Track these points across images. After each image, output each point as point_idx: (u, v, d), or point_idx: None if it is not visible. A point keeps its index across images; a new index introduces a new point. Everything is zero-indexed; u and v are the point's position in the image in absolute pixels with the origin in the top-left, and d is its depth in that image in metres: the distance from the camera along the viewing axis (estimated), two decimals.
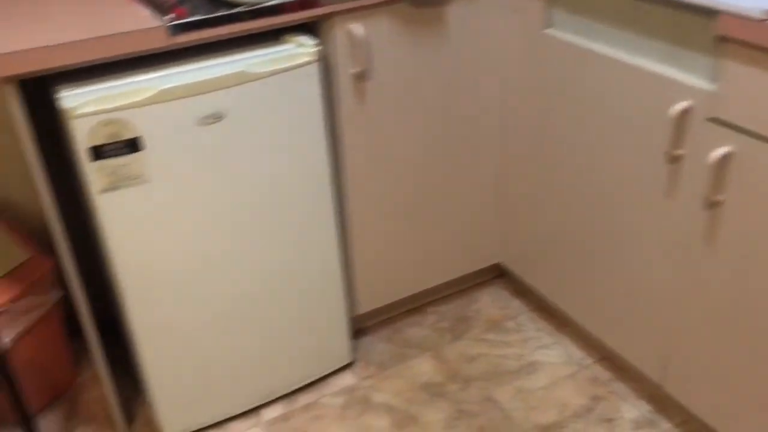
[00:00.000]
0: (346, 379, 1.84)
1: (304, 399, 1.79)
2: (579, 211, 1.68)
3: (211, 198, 1.47)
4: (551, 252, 1.83)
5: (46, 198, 1.41)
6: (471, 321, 2.01)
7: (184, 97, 1.36)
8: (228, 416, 1.73)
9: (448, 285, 2.08)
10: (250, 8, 1.41)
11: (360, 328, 1.99)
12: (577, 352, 1.87)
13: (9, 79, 1.28)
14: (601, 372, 1.81)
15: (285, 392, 1.79)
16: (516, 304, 2.05)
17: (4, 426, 1.76)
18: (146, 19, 1.37)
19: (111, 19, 1.37)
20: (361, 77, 1.60)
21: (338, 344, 1.81)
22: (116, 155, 1.34)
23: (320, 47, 1.50)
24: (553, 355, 1.87)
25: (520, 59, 1.71)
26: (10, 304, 1.63)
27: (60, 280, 1.78)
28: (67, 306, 1.83)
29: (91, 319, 1.56)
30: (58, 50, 1.27)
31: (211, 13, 1.38)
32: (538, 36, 1.63)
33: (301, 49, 1.46)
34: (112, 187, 1.37)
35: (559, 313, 1.96)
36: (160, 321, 1.53)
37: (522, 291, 2.09)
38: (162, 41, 1.35)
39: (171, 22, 1.35)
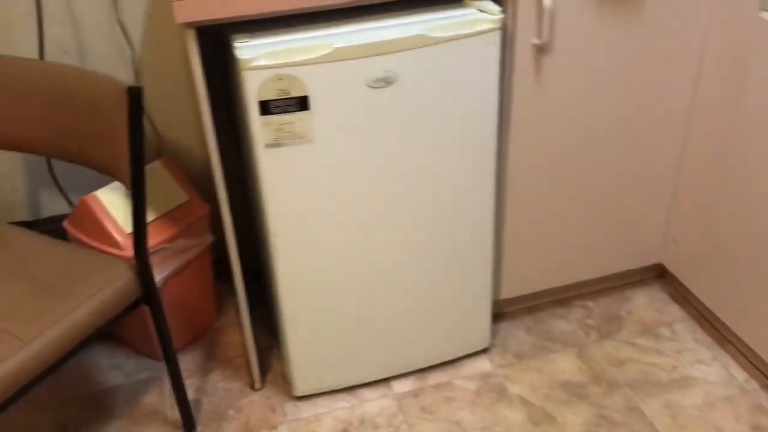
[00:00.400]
0: (482, 365, 1.76)
1: (436, 378, 1.74)
2: (761, 220, 1.50)
3: (371, 164, 1.42)
4: (721, 259, 1.65)
5: (211, 145, 1.41)
6: (622, 321, 1.87)
7: (358, 58, 1.30)
8: (359, 383, 1.71)
9: (600, 280, 1.95)
10: None
11: (500, 312, 1.90)
12: (739, 373, 1.70)
13: (188, 25, 1.27)
14: (767, 400, 1.63)
15: (418, 368, 1.74)
16: (674, 310, 1.89)
17: (149, 359, 1.84)
18: None
19: None
20: (541, 50, 1.48)
21: (478, 326, 1.74)
22: (284, 112, 1.32)
23: (504, 14, 1.40)
24: (711, 373, 1.71)
25: (724, 47, 1.52)
26: (167, 244, 1.68)
27: (213, 226, 1.81)
28: (215, 251, 1.87)
29: (239, 266, 1.57)
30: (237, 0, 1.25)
31: None
32: (751, 20, 1.44)
33: (483, 15, 1.37)
34: (276, 144, 1.35)
35: (722, 326, 1.79)
36: (306, 279, 1.52)
37: (682, 296, 1.92)
38: None
39: None
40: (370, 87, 1.34)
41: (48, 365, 1.26)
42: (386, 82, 1.34)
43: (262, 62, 1.27)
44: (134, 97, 1.27)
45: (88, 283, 1.35)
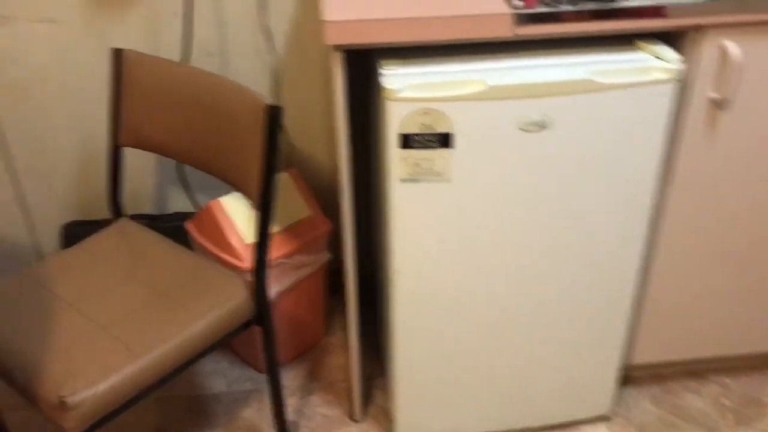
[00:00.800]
0: None
1: None
2: None
3: (511, 210, 1.30)
4: None
5: (343, 165, 1.34)
6: (764, 408, 1.67)
7: (512, 98, 1.19)
8: None
9: (744, 357, 1.75)
10: (608, 6, 1.19)
11: (626, 376, 1.74)
12: None
13: (336, 47, 1.20)
14: None
15: (530, 426, 1.62)
16: None
17: (252, 369, 1.80)
18: (491, 3, 1.21)
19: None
20: (718, 105, 1.31)
21: (601, 390, 1.59)
22: (425, 147, 1.22)
23: (684, 64, 1.24)
24: None
25: None
26: (285, 259, 1.63)
27: (331, 244, 1.75)
28: (330, 269, 1.81)
29: (356, 291, 1.50)
30: (389, 25, 1.17)
31: (559, 6, 1.19)
32: None
33: (659, 63, 1.22)
34: (411, 179, 1.26)
35: None
36: (425, 319, 1.43)
37: None
38: (503, 30, 1.19)
39: (519, 10, 1.17)
40: (522, 130, 1.22)
41: (155, 381, 1.23)
42: (540, 126, 1.22)
43: (409, 94, 1.18)
44: (274, 115, 1.22)
45: (203, 299, 1.31)
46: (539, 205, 1.30)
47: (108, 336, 1.23)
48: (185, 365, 1.27)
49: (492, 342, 1.47)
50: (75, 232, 1.79)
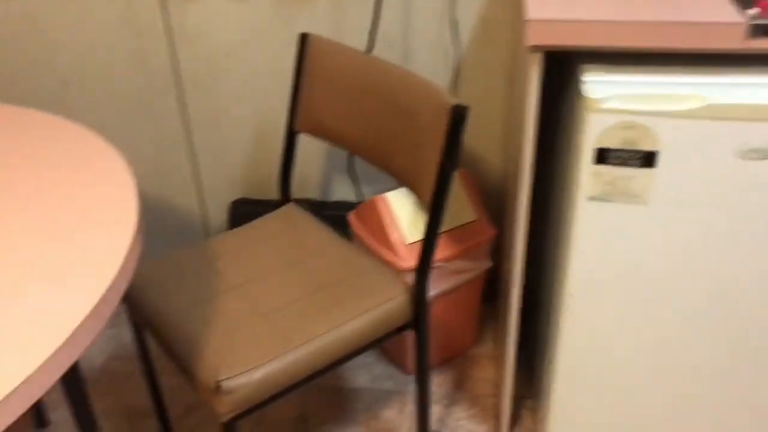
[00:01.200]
0: None
1: None
2: None
3: (713, 246, 1.15)
4: None
5: (524, 173, 1.24)
6: None
7: (733, 120, 1.04)
8: None
9: None
10: None
11: None
12: None
13: (536, 49, 1.10)
14: None
15: None
16: None
17: (397, 368, 1.75)
18: (718, 9, 1.07)
19: (675, 3, 1.10)
20: None
21: None
22: (623, 164, 1.10)
23: None
24: None
25: None
26: (444, 263, 1.56)
27: (493, 252, 1.66)
28: (487, 277, 1.72)
29: (518, 306, 1.40)
30: (599, 28, 1.05)
31: None
32: None
33: None
34: (602, 197, 1.14)
35: None
36: (593, 349, 1.31)
37: None
38: (732, 42, 1.04)
39: (756, 20, 1.02)
40: (740, 157, 1.07)
41: (305, 375, 1.20)
42: (763, 154, 1.06)
43: (613, 105, 1.06)
44: (458, 116, 1.14)
45: (362, 299, 1.27)
46: (748, 245, 1.14)
47: (267, 324, 1.21)
48: (337, 363, 1.24)
49: (665, 382, 1.33)
50: (242, 210, 1.82)
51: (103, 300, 0.82)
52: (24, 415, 1.64)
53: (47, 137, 1.17)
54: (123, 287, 0.88)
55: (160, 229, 1.93)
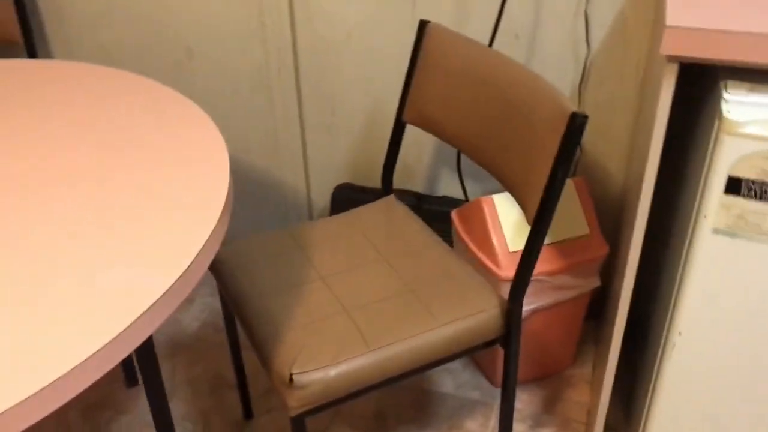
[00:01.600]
0: None
1: None
2: None
3: None
4: None
5: (645, 194, 1.12)
6: None
7: None
8: None
9: None
10: None
11: None
12: None
13: (672, 59, 0.99)
14: None
15: None
16: None
17: (484, 378, 1.68)
18: None
19: None
20: None
21: None
22: (759, 198, 0.97)
23: None
24: None
25: None
26: (547, 276, 1.47)
27: (603, 270, 1.54)
28: (594, 295, 1.61)
29: (622, 332, 1.29)
30: (752, 42, 0.92)
31: None
32: None
33: None
34: (729, 232, 1.01)
35: None
36: (698, 392, 1.18)
37: None
38: None
39: None
40: None
41: (383, 378, 1.15)
42: None
43: (755, 131, 0.93)
44: (576, 125, 1.04)
45: (451, 306, 1.20)
46: None
47: (348, 320, 1.17)
48: (418, 370, 1.18)
49: None
50: (344, 195, 1.79)
51: (182, 279, 0.82)
52: (115, 374, 1.70)
53: (155, 110, 1.18)
54: (202, 269, 0.87)
55: (268, 204, 1.94)
